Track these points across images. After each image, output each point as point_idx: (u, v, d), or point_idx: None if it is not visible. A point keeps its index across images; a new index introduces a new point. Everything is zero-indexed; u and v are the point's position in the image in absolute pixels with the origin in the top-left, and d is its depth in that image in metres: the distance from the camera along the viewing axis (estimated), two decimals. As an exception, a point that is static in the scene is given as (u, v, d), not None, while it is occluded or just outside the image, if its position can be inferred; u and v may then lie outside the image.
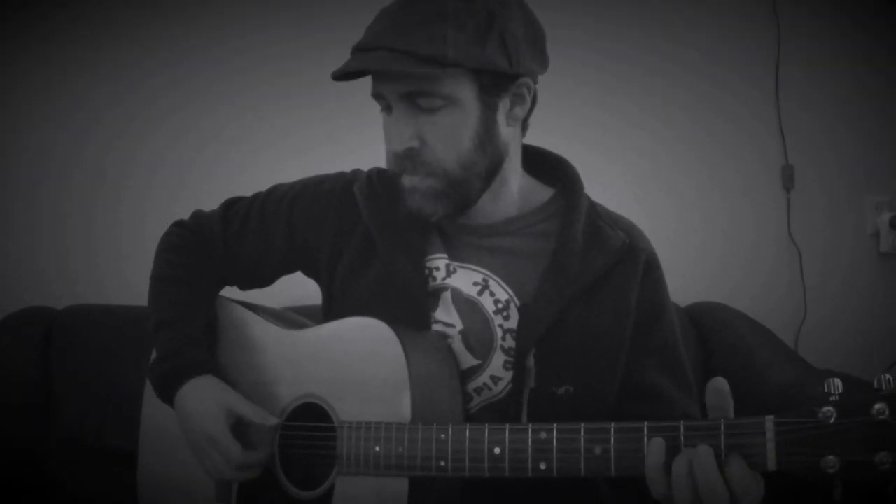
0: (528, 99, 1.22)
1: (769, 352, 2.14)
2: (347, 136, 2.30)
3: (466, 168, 1.17)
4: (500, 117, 1.19)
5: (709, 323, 2.26)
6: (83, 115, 2.35)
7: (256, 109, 2.38)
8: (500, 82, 1.17)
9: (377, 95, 1.19)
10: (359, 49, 1.15)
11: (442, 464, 1.07)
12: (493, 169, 1.21)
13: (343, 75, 1.15)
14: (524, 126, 1.27)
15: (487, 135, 1.18)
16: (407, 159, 1.17)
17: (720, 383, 0.96)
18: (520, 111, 1.21)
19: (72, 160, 2.34)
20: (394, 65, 1.10)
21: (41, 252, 2.31)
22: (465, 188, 1.19)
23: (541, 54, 1.22)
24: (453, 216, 1.23)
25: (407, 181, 1.19)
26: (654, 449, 0.95)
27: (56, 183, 2.34)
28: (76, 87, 2.35)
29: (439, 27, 1.11)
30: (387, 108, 1.19)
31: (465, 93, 1.15)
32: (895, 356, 2.41)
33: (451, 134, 1.15)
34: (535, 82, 1.23)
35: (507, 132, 1.21)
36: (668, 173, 2.49)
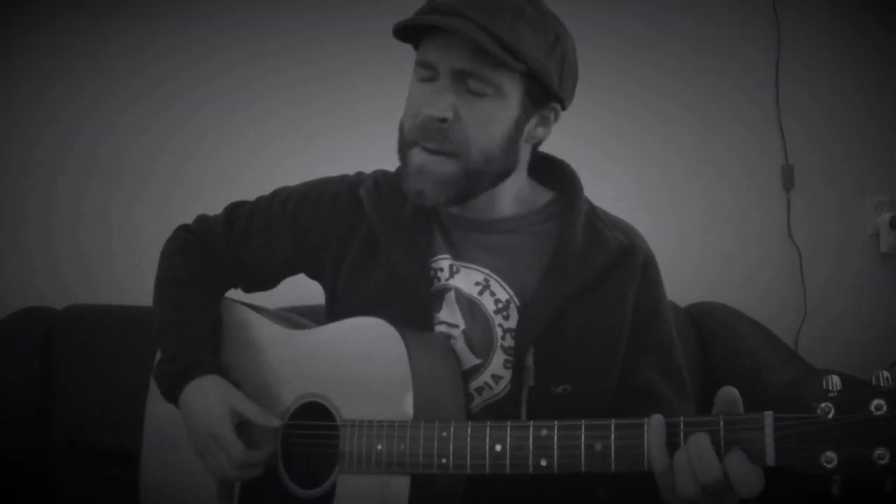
0: (552, 125, 1.24)
1: (769, 352, 2.15)
2: (346, 136, 2.30)
3: (488, 161, 1.17)
4: (526, 131, 1.21)
5: (709, 323, 2.26)
6: (83, 115, 2.34)
7: (252, 109, 2.38)
8: (541, 97, 1.19)
9: (426, 64, 1.17)
10: (437, 10, 1.15)
11: (444, 461, 1.07)
12: (503, 174, 1.22)
13: (409, 28, 1.15)
14: (535, 148, 1.29)
15: (514, 140, 1.19)
16: (435, 129, 1.15)
17: (730, 393, 0.95)
18: (541, 132, 1.24)
19: (71, 160, 2.34)
20: (478, 36, 1.10)
21: (41, 252, 2.31)
22: (476, 181, 1.18)
23: (573, 91, 1.25)
24: (444, 206, 1.22)
25: (418, 158, 1.17)
26: (655, 424, 0.95)
27: (56, 183, 2.34)
28: (76, 87, 2.34)
29: (520, 25, 1.14)
30: (429, 78, 1.18)
31: (514, 92, 1.16)
32: (895, 356, 2.41)
33: (487, 122, 1.16)
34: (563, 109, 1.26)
35: (523, 147, 1.23)
36: (668, 173, 2.50)
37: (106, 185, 2.34)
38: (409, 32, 1.18)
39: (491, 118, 1.16)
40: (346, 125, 2.31)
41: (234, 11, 2.39)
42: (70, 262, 2.31)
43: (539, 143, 1.28)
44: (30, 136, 2.34)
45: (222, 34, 2.37)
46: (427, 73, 1.18)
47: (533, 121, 1.21)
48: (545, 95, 1.19)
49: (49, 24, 2.33)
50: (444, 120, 1.15)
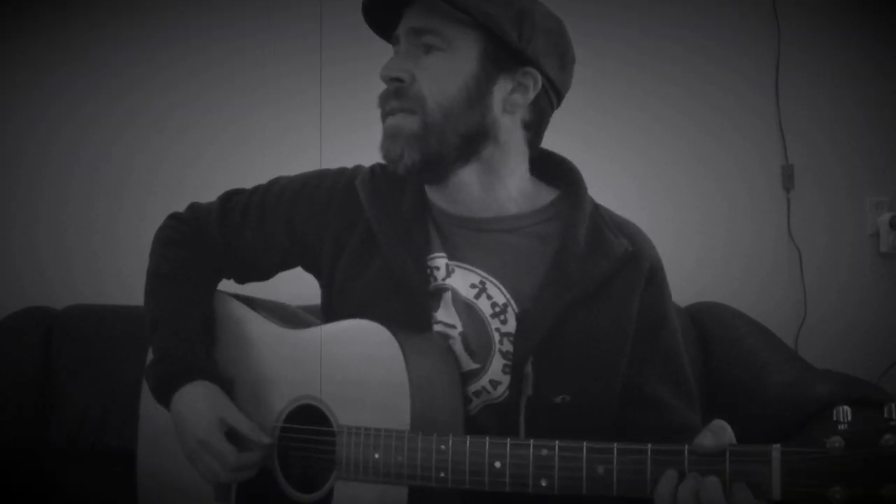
0: (531, 91, 1.21)
1: (769, 352, 2.14)
2: (348, 143, 2.29)
3: (446, 115, 1.17)
4: (497, 95, 1.20)
5: (709, 323, 2.26)
6: (83, 115, 2.35)
7: (256, 110, 2.38)
8: (505, 57, 1.18)
9: (395, 40, 1.23)
10: None
11: (442, 475, 1.06)
12: (471, 135, 1.20)
13: (384, 20, 1.22)
14: (533, 133, 1.26)
15: (477, 96, 1.18)
16: (393, 90, 1.19)
17: (716, 424, 0.94)
18: (519, 99, 1.21)
19: (72, 160, 2.34)
20: None
21: (41, 252, 2.32)
22: (438, 138, 1.18)
23: (560, 63, 1.23)
24: (420, 173, 1.21)
25: (386, 122, 1.21)
26: (667, 480, 0.94)
27: (56, 183, 2.34)
28: (76, 88, 2.35)
29: None
30: (396, 51, 1.23)
31: (468, 48, 1.17)
32: (895, 356, 2.41)
33: (439, 74, 1.17)
34: (555, 90, 1.23)
35: (503, 117, 1.21)
36: (668, 173, 2.49)
37: (109, 191, 2.35)
38: (385, 26, 1.23)
39: (442, 70, 1.17)
40: (348, 132, 2.31)
41: (234, 21, 2.38)
42: (70, 262, 2.31)
43: (537, 125, 1.25)
44: (37, 145, 2.34)
45: (221, 44, 2.37)
46: (395, 47, 1.23)
47: (504, 84, 1.20)
48: (507, 54, 1.18)
49: (48, 41, 2.34)
50: (399, 80, 1.18)
